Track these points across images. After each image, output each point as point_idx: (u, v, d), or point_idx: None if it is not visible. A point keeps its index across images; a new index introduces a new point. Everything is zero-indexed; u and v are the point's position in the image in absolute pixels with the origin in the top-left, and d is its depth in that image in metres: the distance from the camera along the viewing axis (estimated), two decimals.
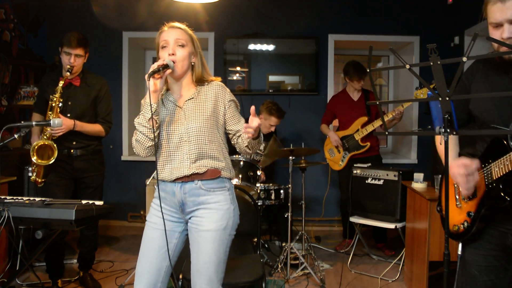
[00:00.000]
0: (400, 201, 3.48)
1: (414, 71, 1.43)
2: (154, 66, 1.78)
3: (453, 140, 1.79)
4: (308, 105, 4.94)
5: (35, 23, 4.75)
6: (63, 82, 2.80)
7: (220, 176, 1.91)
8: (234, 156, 3.71)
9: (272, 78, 4.97)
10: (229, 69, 4.91)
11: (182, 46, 1.89)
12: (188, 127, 1.88)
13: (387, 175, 3.59)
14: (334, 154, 4.25)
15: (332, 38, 4.90)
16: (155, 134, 1.85)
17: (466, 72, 1.69)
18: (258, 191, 3.64)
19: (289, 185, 3.52)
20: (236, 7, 4.79)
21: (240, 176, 3.62)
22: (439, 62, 1.30)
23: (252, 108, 1.79)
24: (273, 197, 3.72)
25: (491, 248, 1.60)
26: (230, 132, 2.02)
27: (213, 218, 1.87)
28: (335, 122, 4.49)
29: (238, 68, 4.95)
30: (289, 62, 4.95)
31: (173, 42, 1.88)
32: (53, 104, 2.77)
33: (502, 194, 1.47)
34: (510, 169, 1.43)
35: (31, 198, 2.10)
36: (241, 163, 3.66)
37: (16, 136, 2.09)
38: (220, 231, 1.87)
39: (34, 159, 2.73)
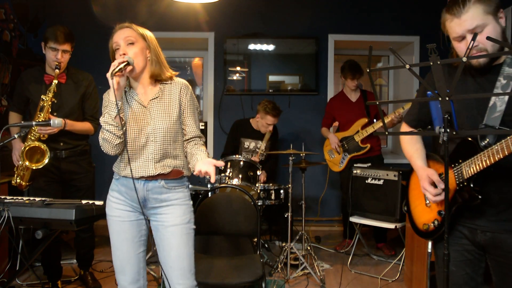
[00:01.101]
0: (400, 201, 3.47)
1: (414, 71, 1.43)
2: (115, 64, 1.78)
3: (419, 139, 1.86)
4: (308, 105, 4.94)
5: (35, 23, 4.75)
6: (56, 82, 2.68)
7: (183, 175, 1.99)
8: (234, 156, 3.71)
9: (272, 78, 4.97)
10: (229, 69, 4.91)
11: (132, 43, 1.87)
12: (155, 127, 1.90)
13: (387, 175, 3.59)
14: (334, 155, 4.25)
15: (332, 38, 4.90)
16: (122, 131, 1.86)
17: (429, 75, 1.73)
18: (258, 191, 3.64)
19: (289, 185, 3.52)
20: (236, 7, 4.79)
21: (240, 176, 3.62)
22: (439, 62, 1.30)
23: (220, 163, 1.85)
24: (273, 197, 3.71)
25: (464, 243, 1.66)
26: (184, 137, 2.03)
27: (177, 213, 1.94)
28: (336, 123, 4.48)
29: (238, 68, 4.95)
30: (289, 62, 4.95)
31: (123, 42, 1.87)
32: (44, 104, 2.65)
33: (473, 192, 1.54)
34: (481, 168, 1.49)
35: (31, 198, 2.10)
36: (241, 163, 3.66)
37: (16, 136, 2.09)
38: (184, 224, 1.95)
39: (26, 164, 2.61)
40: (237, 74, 4.97)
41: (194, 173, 1.89)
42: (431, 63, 1.31)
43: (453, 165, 1.62)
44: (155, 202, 1.94)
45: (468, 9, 1.47)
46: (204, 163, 1.81)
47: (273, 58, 4.93)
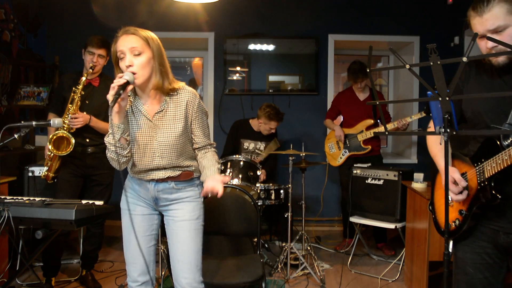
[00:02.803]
0: (400, 201, 3.47)
1: (414, 71, 1.43)
2: (115, 87, 1.71)
3: (439, 138, 1.82)
4: (308, 105, 4.94)
5: (35, 23, 4.75)
6: (85, 79, 2.88)
7: (193, 176, 2.04)
8: (234, 156, 3.71)
9: (272, 78, 4.97)
10: (229, 69, 4.91)
11: (139, 54, 1.80)
12: (160, 143, 1.90)
13: (387, 175, 3.59)
14: (334, 149, 4.24)
15: (332, 38, 4.90)
16: (128, 150, 1.87)
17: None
18: (258, 191, 3.64)
19: (289, 185, 3.52)
20: (236, 7, 4.79)
21: (240, 176, 3.62)
22: (439, 62, 1.30)
23: (227, 179, 1.95)
24: (273, 197, 3.72)
25: (484, 246, 1.62)
26: (193, 145, 2.04)
27: (187, 209, 2.00)
28: (338, 119, 4.47)
29: (238, 68, 4.95)
30: (289, 62, 4.95)
31: (129, 52, 1.79)
32: (75, 97, 2.84)
33: (494, 192, 1.51)
34: (502, 167, 1.47)
35: (31, 198, 2.10)
36: (241, 163, 3.66)
37: (16, 136, 2.10)
38: (193, 220, 2.00)
39: (50, 147, 2.80)
40: (237, 74, 4.97)
41: (202, 194, 1.97)
42: (431, 63, 1.31)
43: (475, 164, 1.60)
44: (165, 201, 2.00)
45: (491, 8, 1.45)
46: (212, 180, 1.88)
47: (273, 58, 4.93)
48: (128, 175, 2.05)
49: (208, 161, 1.99)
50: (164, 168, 1.94)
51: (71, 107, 2.85)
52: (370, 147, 4.07)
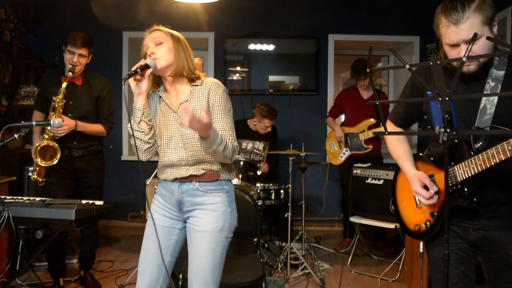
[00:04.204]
0: None
1: (414, 71, 1.43)
2: (133, 68, 1.77)
3: (405, 139, 1.88)
4: (308, 105, 4.94)
5: (35, 23, 4.75)
6: (66, 83, 2.78)
7: (219, 178, 1.90)
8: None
9: (272, 78, 4.97)
10: (229, 69, 4.91)
11: (160, 43, 1.87)
12: (183, 134, 1.85)
13: (387, 175, 3.59)
14: (335, 148, 4.23)
15: (332, 38, 4.90)
16: (150, 136, 1.85)
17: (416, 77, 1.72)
18: (258, 191, 3.64)
19: (289, 185, 3.52)
20: (236, 7, 4.79)
21: (240, 176, 3.62)
22: (439, 62, 1.30)
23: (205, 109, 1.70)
24: (273, 197, 3.71)
25: (456, 242, 1.67)
26: None
27: (209, 219, 1.86)
28: (337, 120, 4.47)
29: (238, 68, 4.95)
30: (289, 62, 4.95)
31: (152, 43, 1.87)
32: (56, 105, 2.76)
33: (468, 196, 1.54)
34: (477, 172, 1.49)
35: (31, 198, 2.10)
36: (241, 163, 3.66)
37: (16, 136, 2.09)
38: (215, 232, 1.85)
39: (38, 160, 2.73)
40: (237, 74, 4.97)
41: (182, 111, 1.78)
42: (431, 63, 1.31)
43: (444, 167, 1.61)
44: (190, 205, 1.88)
45: (467, 19, 1.43)
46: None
47: (273, 58, 4.93)
48: (159, 182, 2.00)
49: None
50: (187, 164, 1.85)
51: (53, 115, 2.75)
52: (371, 146, 4.07)
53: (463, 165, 1.54)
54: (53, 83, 2.90)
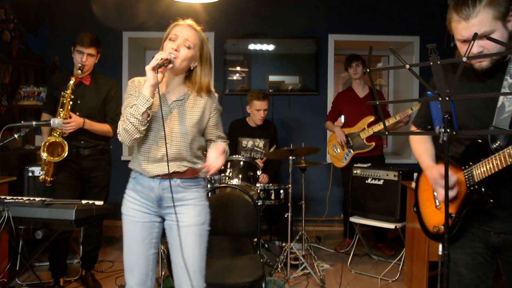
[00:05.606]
0: (400, 201, 3.47)
1: (414, 71, 1.42)
2: (158, 59, 1.73)
3: (428, 139, 1.83)
4: (308, 105, 4.94)
5: (35, 23, 4.75)
6: (74, 79, 2.83)
7: (198, 175, 1.98)
8: (234, 156, 3.70)
9: (272, 78, 4.97)
10: (229, 69, 4.91)
11: (189, 47, 1.84)
12: (172, 130, 1.87)
13: (387, 175, 3.59)
14: (338, 151, 4.23)
15: (332, 38, 4.90)
16: (145, 127, 1.82)
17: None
18: (258, 191, 3.64)
19: (289, 185, 3.52)
20: (236, 7, 4.79)
21: (240, 176, 3.62)
22: (439, 62, 1.30)
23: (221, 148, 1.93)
24: (273, 197, 3.71)
25: (475, 246, 1.63)
26: (205, 138, 2.04)
27: (192, 214, 1.93)
28: (339, 121, 4.47)
29: (238, 68, 4.95)
30: (289, 62, 4.95)
31: (182, 40, 1.83)
32: (64, 101, 2.80)
33: (485, 196, 1.51)
34: (493, 172, 1.46)
35: (31, 198, 2.10)
36: (241, 163, 3.65)
37: (16, 136, 2.09)
38: (199, 226, 1.94)
39: (44, 155, 2.76)
40: (237, 74, 4.97)
41: (203, 170, 1.91)
42: (431, 63, 1.31)
43: (463, 168, 1.60)
44: (170, 201, 1.90)
45: (477, 14, 1.42)
46: (215, 149, 1.91)
47: (273, 58, 4.93)
48: (130, 178, 1.99)
49: (217, 143, 2.03)
50: (170, 160, 1.85)
51: (61, 111, 2.79)
52: (373, 143, 4.05)
53: (481, 165, 1.51)
54: (63, 83, 2.93)
